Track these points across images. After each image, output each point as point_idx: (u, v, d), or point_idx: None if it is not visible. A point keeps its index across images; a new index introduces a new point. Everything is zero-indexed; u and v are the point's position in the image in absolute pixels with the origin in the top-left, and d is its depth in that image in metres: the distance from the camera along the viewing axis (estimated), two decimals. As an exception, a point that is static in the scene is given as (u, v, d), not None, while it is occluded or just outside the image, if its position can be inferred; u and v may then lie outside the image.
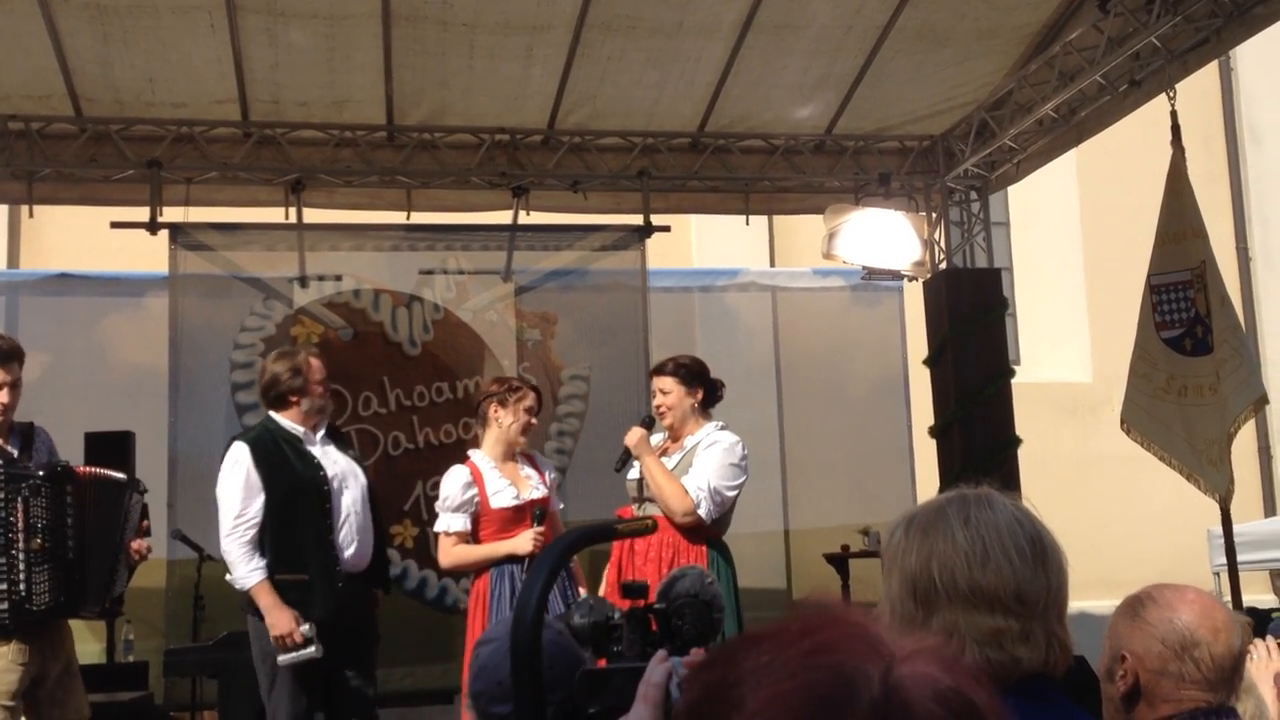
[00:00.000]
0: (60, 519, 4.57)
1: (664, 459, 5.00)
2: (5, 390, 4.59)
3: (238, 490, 4.84)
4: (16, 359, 4.67)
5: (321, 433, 5.10)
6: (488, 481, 5.04)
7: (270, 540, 4.85)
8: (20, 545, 4.47)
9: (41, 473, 4.58)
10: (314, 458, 5.00)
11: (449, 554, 5.06)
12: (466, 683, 2.30)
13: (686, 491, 4.84)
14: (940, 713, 0.79)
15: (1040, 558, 1.66)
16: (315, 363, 5.14)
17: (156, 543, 5.17)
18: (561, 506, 5.42)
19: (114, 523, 4.75)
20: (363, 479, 5.11)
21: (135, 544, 4.84)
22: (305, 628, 4.77)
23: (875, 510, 7.74)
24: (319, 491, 4.93)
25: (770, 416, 8.34)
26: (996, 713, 0.82)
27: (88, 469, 4.80)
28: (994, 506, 1.70)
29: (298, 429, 5.02)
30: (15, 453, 4.64)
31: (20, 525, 4.47)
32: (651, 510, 4.91)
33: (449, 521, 5.02)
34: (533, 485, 5.09)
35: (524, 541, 4.93)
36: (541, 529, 4.96)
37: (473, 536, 5.05)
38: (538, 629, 1.46)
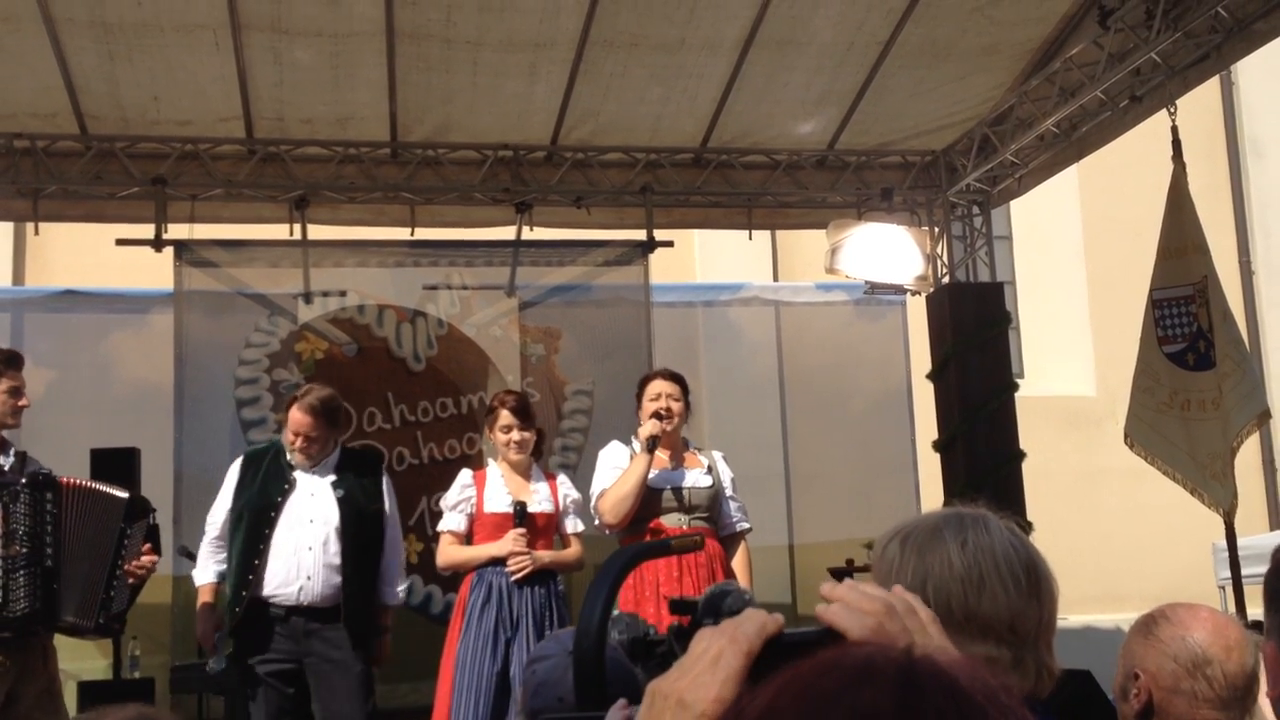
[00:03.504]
0: (40, 525, 4.55)
1: (664, 470, 5.03)
2: (14, 394, 4.71)
3: (219, 496, 5.13)
4: (17, 365, 4.81)
5: (325, 463, 5.08)
6: (488, 485, 5.11)
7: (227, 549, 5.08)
8: None
9: (24, 480, 4.58)
10: (285, 482, 5.01)
11: (443, 553, 5.18)
12: (521, 698, 2.26)
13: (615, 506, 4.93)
14: None
15: (1034, 588, 1.65)
16: (294, 414, 5.03)
17: (162, 560, 5.15)
18: (581, 528, 5.32)
19: (103, 535, 4.70)
20: (335, 522, 4.98)
21: (132, 563, 4.73)
22: (217, 636, 4.98)
23: (879, 524, 7.59)
24: (263, 515, 4.97)
25: (774, 431, 8.33)
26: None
27: (72, 479, 4.76)
28: (990, 530, 1.68)
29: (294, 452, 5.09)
30: (5, 466, 4.65)
31: (0, 531, 4.48)
32: (683, 520, 4.95)
33: (446, 520, 5.14)
34: (539, 499, 5.09)
35: (504, 543, 4.96)
36: (522, 530, 4.95)
37: (469, 541, 5.09)
38: (601, 644, 1.45)
